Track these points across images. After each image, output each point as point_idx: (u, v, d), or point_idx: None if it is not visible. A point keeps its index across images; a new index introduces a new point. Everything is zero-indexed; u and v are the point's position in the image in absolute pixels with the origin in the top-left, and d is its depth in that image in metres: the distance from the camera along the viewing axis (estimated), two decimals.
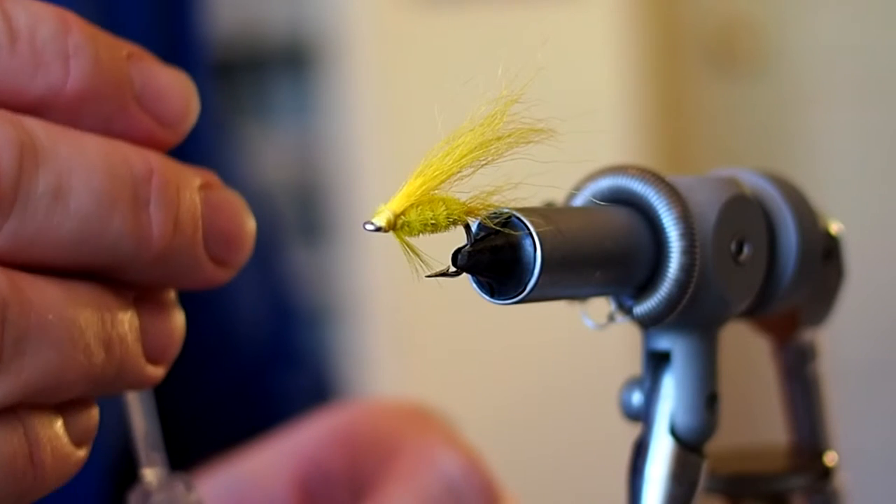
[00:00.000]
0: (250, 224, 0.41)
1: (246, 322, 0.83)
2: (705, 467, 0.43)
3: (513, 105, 0.37)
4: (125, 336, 0.38)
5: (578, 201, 0.41)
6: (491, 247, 0.37)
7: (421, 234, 0.37)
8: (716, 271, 0.41)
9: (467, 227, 0.37)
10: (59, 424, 0.37)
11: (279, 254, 0.85)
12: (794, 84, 2.52)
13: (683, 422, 0.42)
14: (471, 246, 0.37)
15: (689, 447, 0.42)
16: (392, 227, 0.37)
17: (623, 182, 0.41)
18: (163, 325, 0.39)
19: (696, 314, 0.41)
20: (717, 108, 2.55)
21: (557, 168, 0.38)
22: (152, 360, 0.39)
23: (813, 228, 0.45)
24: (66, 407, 0.37)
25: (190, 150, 0.80)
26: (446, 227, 0.37)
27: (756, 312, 0.45)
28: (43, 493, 0.37)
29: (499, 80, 0.37)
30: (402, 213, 0.37)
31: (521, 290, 0.37)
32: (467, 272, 0.37)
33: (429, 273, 0.37)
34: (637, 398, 0.43)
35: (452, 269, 0.37)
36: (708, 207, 0.41)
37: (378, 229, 0.37)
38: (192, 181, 0.39)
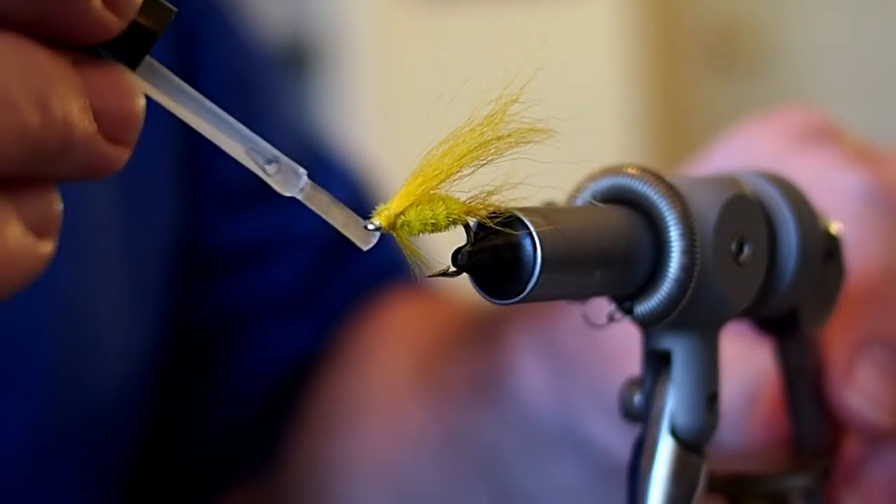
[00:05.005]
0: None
1: None
2: (705, 467, 0.43)
3: (512, 105, 0.37)
4: (64, 98, 0.33)
5: (579, 201, 0.41)
6: (491, 246, 0.36)
7: (421, 234, 0.37)
8: (716, 271, 0.41)
9: (467, 227, 0.37)
10: (8, 209, 0.33)
11: None
12: (795, 84, 2.52)
13: (683, 422, 0.42)
14: (471, 246, 0.37)
15: (689, 447, 0.42)
16: (392, 226, 0.37)
17: (623, 182, 0.41)
18: (114, 95, 0.35)
19: (696, 314, 0.41)
20: (718, 107, 2.55)
21: (557, 168, 0.38)
22: (108, 135, 0.35)
23: (813, 228, 0.45)
24: (17, 191, 0.34)
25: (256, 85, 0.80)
26: (446, 227, 0.37)
27: (756, 312, 0.45)
28: None
29: (499, 80, 0.37)
30: (402, 212, 0.37)
31: (521, 289, 0.37)
32: (467, 272, 0.37)
33: (429, 273, 0.37)
34: (637, 398, 0.43)
35: (452, 268, 0.36)
36: (708, 207, 0.41)
37: (378, 229, 0.37)
38: None
